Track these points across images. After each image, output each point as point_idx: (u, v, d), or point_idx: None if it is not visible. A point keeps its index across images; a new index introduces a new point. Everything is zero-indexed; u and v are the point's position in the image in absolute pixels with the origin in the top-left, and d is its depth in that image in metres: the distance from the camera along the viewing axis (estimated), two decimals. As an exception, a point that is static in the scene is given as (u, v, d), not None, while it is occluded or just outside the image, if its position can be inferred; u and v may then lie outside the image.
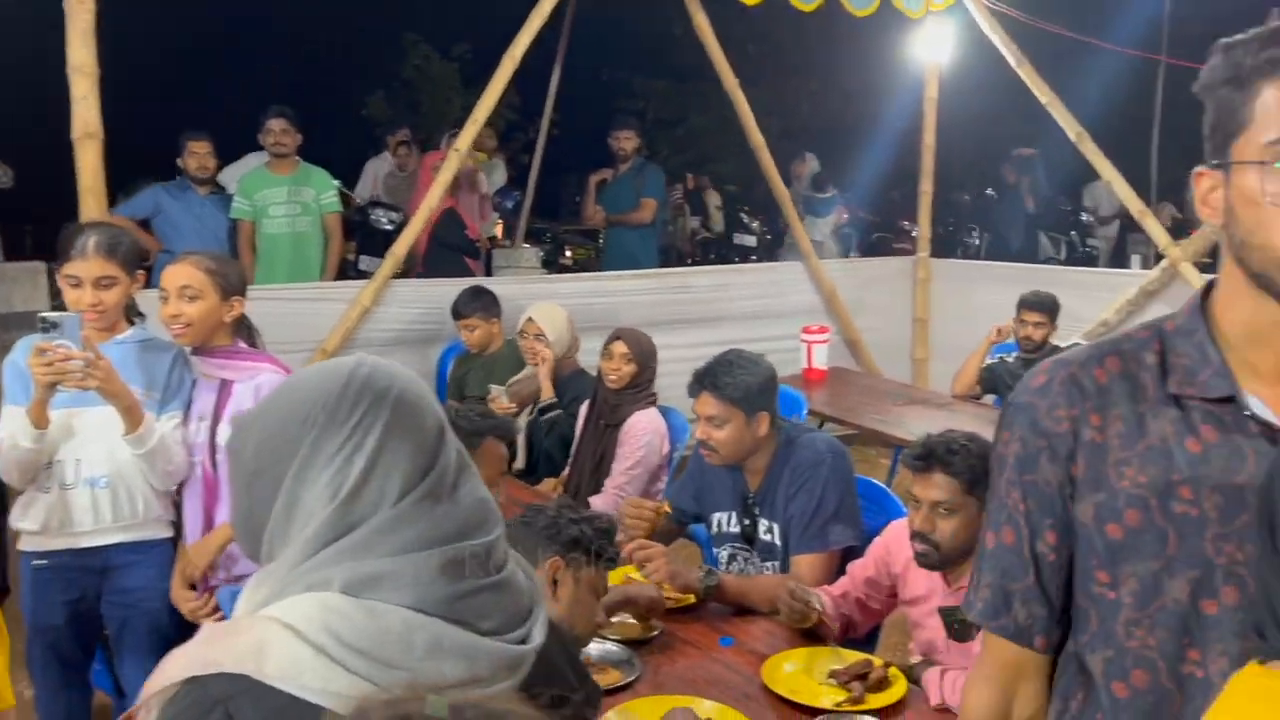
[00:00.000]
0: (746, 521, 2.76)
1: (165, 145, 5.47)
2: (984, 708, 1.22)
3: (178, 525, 2.75)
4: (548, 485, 3.78)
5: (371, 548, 0.97)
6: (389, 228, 6.70)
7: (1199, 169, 1.08)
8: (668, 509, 2.83)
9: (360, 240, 6.97)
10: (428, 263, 5.73)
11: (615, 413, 3.57)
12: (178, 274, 2.70)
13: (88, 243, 2.57)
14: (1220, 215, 1.06)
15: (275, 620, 0.94)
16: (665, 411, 3.74)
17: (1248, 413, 1.07)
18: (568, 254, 8.56)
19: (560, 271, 7.57)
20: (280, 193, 5.18)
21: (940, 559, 2.19)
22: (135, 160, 6.70)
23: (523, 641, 1.01)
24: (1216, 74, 1.05)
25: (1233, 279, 1.09)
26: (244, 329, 2.82)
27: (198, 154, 5.25)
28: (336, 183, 5.72)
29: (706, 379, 2.67)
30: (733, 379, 2.63)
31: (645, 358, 3.58)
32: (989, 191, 11.86)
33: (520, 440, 4.09)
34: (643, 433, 3.47)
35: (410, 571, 0.96)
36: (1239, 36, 1.05)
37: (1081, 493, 1.12)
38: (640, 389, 3.59)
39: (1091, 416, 1.12)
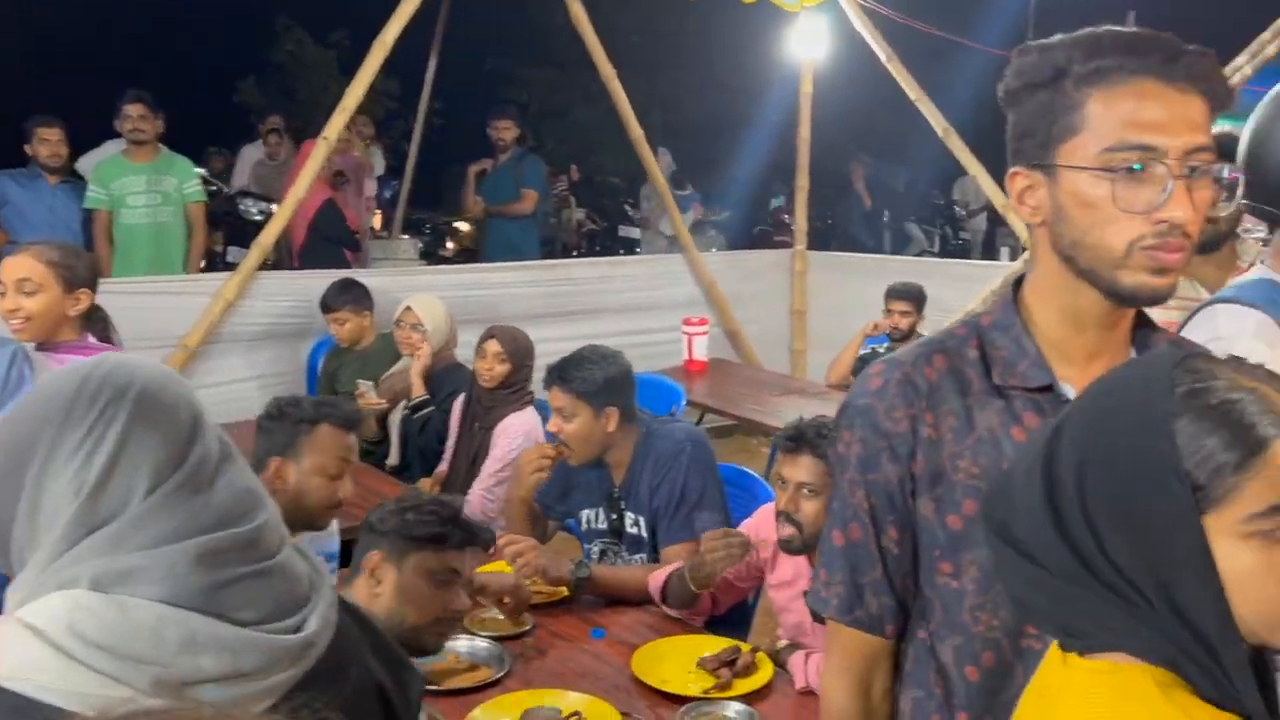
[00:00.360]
0: (613, 516, 2.77)
1: (11, 132, 5.17)
2: (846, 697, 1.25)
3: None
4: (425, 484, 3.71)
5: (122, 542, 0.94)
6: (259, 218, 6.51)
7: (1015, 169, 1.12)
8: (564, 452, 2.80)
9: (228, 231, 6.74)
10: (305, 255, 5.56)
11: (489, 414, 3.50)
12: (16, 266, 2.57)
13: None
14: (1041, 214, 1.11)
15: (17, 621, 0.90)
16: (543, 407, 3.71)
17: (1065, 399, 1.12)
18: (449, 245, 8.42)
19: (440, 263, 7.44)
20: (139, 181, 4.94)
21: (803, 540, 2.22)
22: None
23: (297, 630, 0.99)
24: (1032, 77, 1.09)
25: (1050, 272, 1.13)
26: (98, 322, 2.69)
27: (49, 141, 4.97)
28: (201, 171, 5.51)
29: (556, 373, 2.69)
30: (581, 373, 2.65)
31: (520, 356, 3.50)
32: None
33: (394, 436, 4.00)
34: (515, 435, 3.40)
35: (164, 564, 0.93)
36: (1052, 40, 1.09)
37: (921, 488, 1.16)
38: (515, 389, 3.51)
39: (926, 414, 1.16)
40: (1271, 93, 1.40)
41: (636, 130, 5.59)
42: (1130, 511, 0.83)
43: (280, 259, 5.85)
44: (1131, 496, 0.83)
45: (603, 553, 2.81)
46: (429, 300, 4.06)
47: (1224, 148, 2.03)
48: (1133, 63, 1.04)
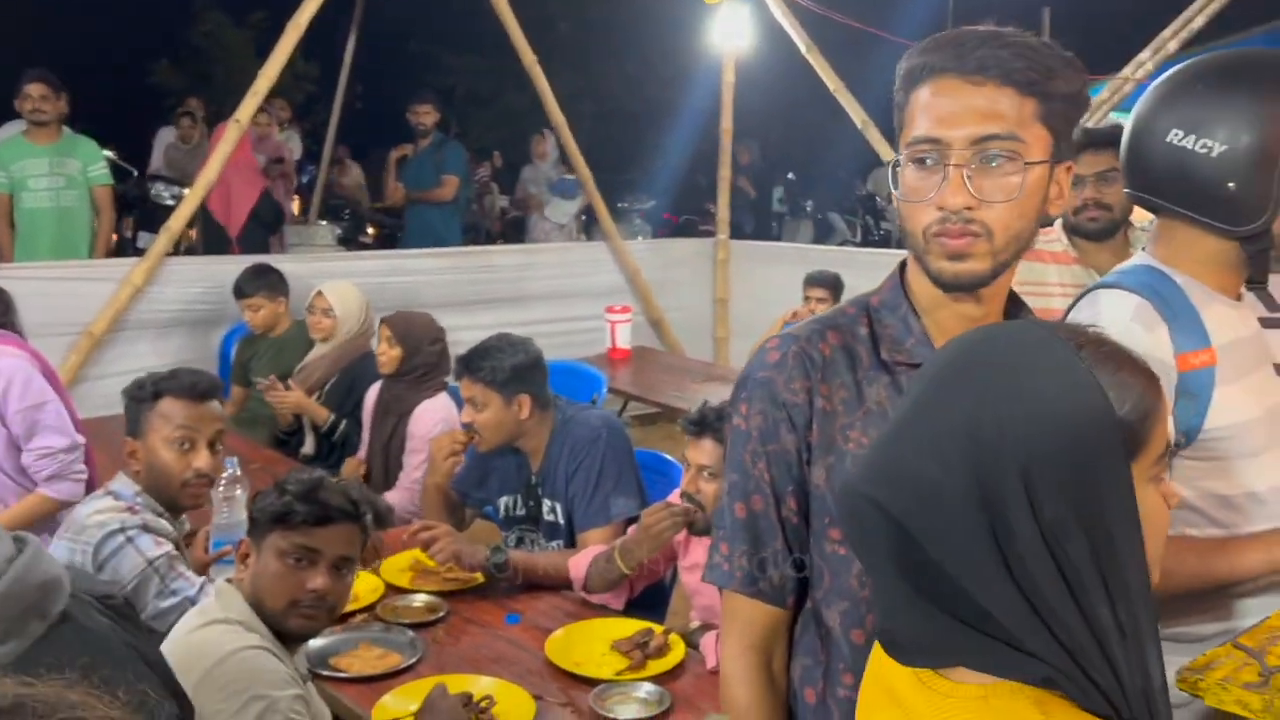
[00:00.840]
0: (531, 503, 2.77)
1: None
2: (751, 672, 1.25)
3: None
4: (349, 467, 3.64)
5: None
6: (170, 203, 6.34)
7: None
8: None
9: (140, 216, 6.56)
10: (244, 242, 5.46)
11: (400, 402, 3.45)
12: None
13: None
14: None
15: None
16: (457, 393, 3.68)
17: None
18: (369, 232, 8.29)
19: (361, 250, 7.33)
20: (41, 164, 4.77)
21: (705, 521, 2.26)
22: None
23: None
24: (897, 76, 1.16)
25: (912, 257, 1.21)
26: (0, 306, 2.61)
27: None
28: (109, 153, 5.34)
29: (464, 363, 2.69)
30: (489, 362, 2.65)
31: (413, 341, 3.42)
32: (789, 175, 12.30)
33: (308, 425, 3.93)
34: (435, 422, 3.35)
35: None
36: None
37: (815, 457, 1.20)
38: (421, 376, 3.45)
39: (821, 387, 1.20)
40: (1151, 86, 1.45)
41: (559, 117, 5.57)
42: (1079, 472, 0.78)
43: (196, 244, 5.73)
44: (1079, 458, 0.78)
45: (520, 539, 2.81)
46: (342, 285, 3.99)
47: (1113, 139, 2.10)
48: (934, 60, 1.11)
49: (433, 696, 1.82)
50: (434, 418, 3.35)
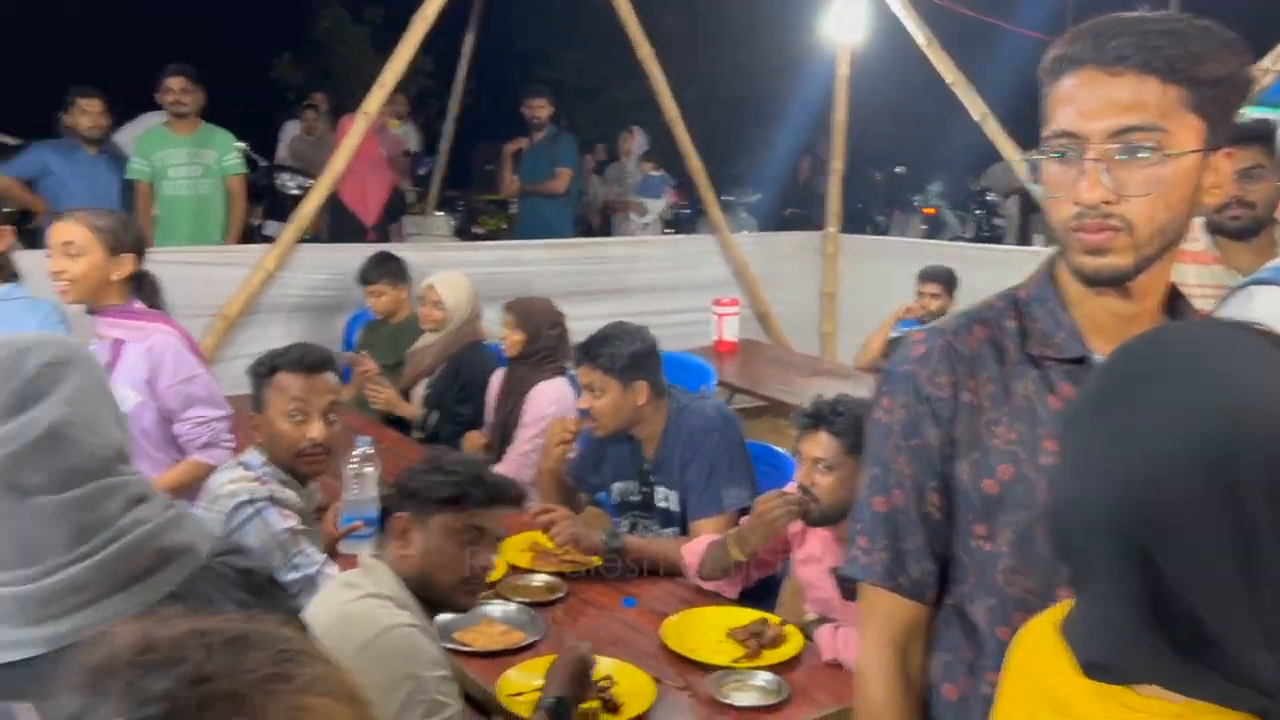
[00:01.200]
0: (645, 489, 2.81)
1: (48, 103, 5.25)
2: (888, 666, 1.24)
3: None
4: (470, 440, 3.76)
5: None
6: (295, 192, 6.59)
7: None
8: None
9: (267, 205, 6.83)
10: (378, 231, 5.68)
11: (521, 383, 3.56)
12: (61, 230, 2.65)
13: None
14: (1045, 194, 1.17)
15: None
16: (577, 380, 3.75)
17: None
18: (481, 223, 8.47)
19: (472, 241, 7.50)
20: (180, 154, 5.01)
21: (819, 513, 2.27)
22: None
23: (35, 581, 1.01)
24: (1040, 70, 1.15)
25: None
26: (147, 288, 2.75)
27: (90, 112, 5.05)
28: (242, 145, 5.57)
29: (583, 350, 2.74)
30: (608, 349, 2.69)
31: (535, 325, 3.54)
32: (899, 169, 12.12)
33: (416, 409, 4.05)
34: (548, 402, 3.45)
35: None
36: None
37: (959, 452, 1.19)
38: (542, 358, 3.55)
39: (967, 380, 1.19)
40: None
41: (672, 110, 5.59)
42: None
43: (321, 232, 5.96)
44: None
45: (633, 525, 2.85)
46: (452, 278, 4.10)
47: (1258, 134, 2.02)
48: (1072, 51, 1.09)
49: (568, 656, 1.86)
50: (548, 398, 3.46)
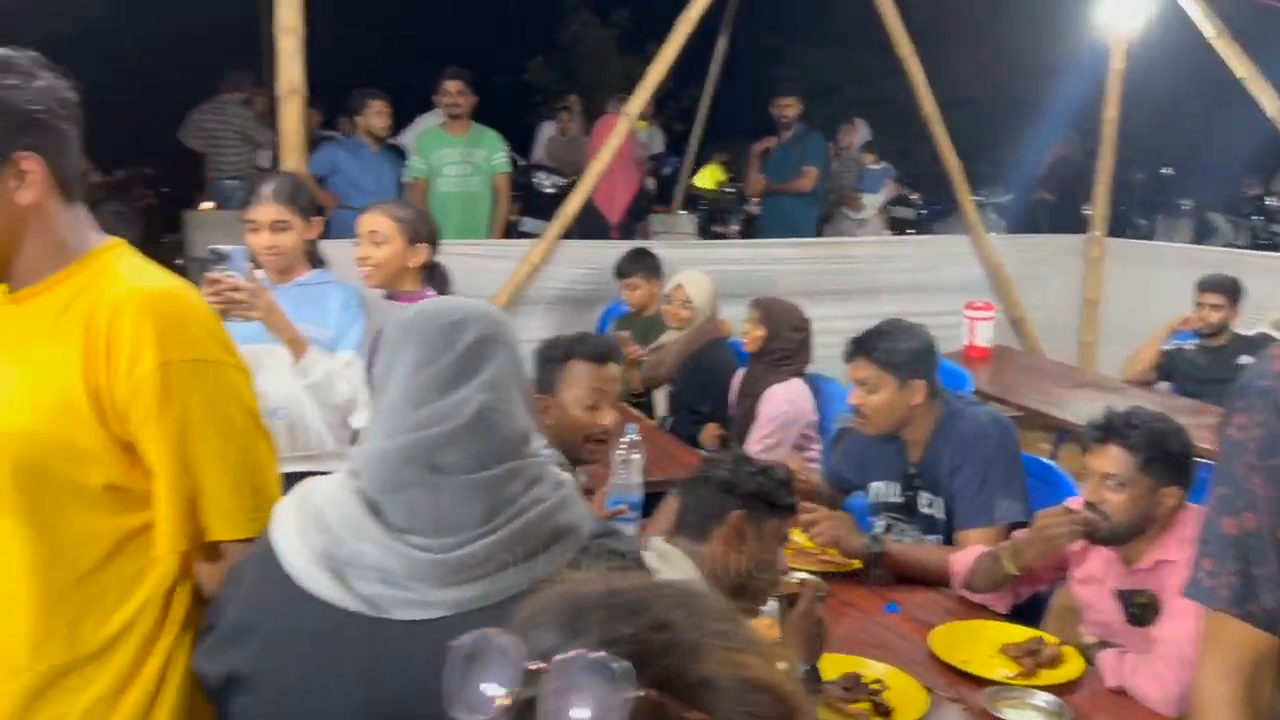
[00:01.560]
0: (908, 493, 2.75)
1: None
2: (1232, 697, 1.18)
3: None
4: (708, 433, 3.83)
5: (369, 435, 1.18)
6: (550, 190, 6.90)
7: None
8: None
9: (524, 202, 7.18)
10: (623, 229, 5.90)
11: (756, 383, 3.61)
12: (367, 220, 2.89)
13: (265, 190, 2.74)
14: None
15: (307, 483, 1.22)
16: (821, 381, 3.74)
17: None
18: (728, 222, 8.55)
19: (713, 240, 7.59)
20: (454, 153, 5.35)
21: (1109, 531, 2.16)
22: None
23: (449, 550, 1.09)
24: None
25: None
26: (438, 278, 2.97)
27: (382, 114, 5.46)
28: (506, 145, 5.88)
29: (863, 343, 2.68)
30: (886, 344, 2.63)
31: (776, 324, 3.56)
32: (1165, 170, 11.26)
33: (658, 404, 4.16)
34: (781, 402, 3.49)
35: (368, 459, 1.15)
36: None
37: None
38: (779, 359, 3.57)
39: None
40: None
41: (929, 107, 5.45)
42: None
43: (573, 229, 6.21)
44: None
45: (888, 527, 2.79)
46: (698, 278, 4.19)
47: None
48: None
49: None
50: (782, 398, 3.50)
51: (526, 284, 4.79)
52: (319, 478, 1.21)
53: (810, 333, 3.67)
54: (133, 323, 1.27)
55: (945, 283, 5.65)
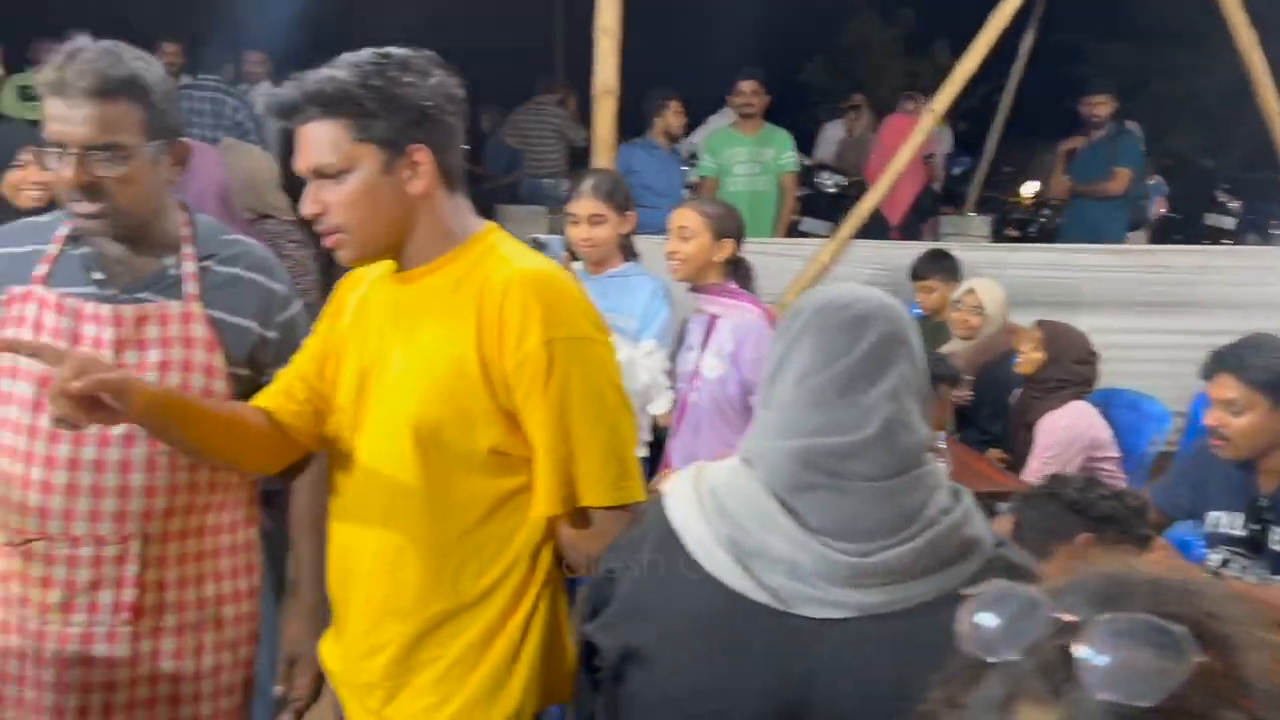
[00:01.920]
0: (1255, 527, 2.48)
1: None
2: None
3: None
4: (992, 457, 3.65)
5: (767, 429, 1.18)
6: (832, 190, 6.82)
7: None
8: None
9: (803, 202, 7.14)
10: (903, 230, 5.78)
11: (1028, 410, 3.42)
12: (678, 216, 2.99)
13: (584, 186, 2.92)
14: None
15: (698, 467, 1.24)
16: (1138, 401, 3.48)
17: None
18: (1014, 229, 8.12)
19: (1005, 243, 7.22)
20: (743, 152, 5.41)
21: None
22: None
23: (863, 555, 1.08)
24: None
25: None
26: (741, 273, 3.02)
27: (679, 114, 5.60)
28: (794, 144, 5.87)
29: (1228, 359, 2.44)
30: (1261, 361, 2.38)
31: (1059, 352, 3.36)
32: None
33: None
34: (1059, 430, 3.29)
35: (770, 455, 1.15)
36: None
37: None
38: (1058, 387, 3.36)
39: None
40: None
41: (1272, 105, 4.91)
42: None
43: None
44: None
45: (1225, 561, 2.54)
46: (990, 284, 4.02)
47: None
48: None
49: None
50: (1059, 424, 3.31)
51: (813, 283, 4.75)
52: (705, 463, 1.23)
53: (1097, 365, 3.42)
54: (521, 301, 1.36)
55: (1273, 299, 5.08)
